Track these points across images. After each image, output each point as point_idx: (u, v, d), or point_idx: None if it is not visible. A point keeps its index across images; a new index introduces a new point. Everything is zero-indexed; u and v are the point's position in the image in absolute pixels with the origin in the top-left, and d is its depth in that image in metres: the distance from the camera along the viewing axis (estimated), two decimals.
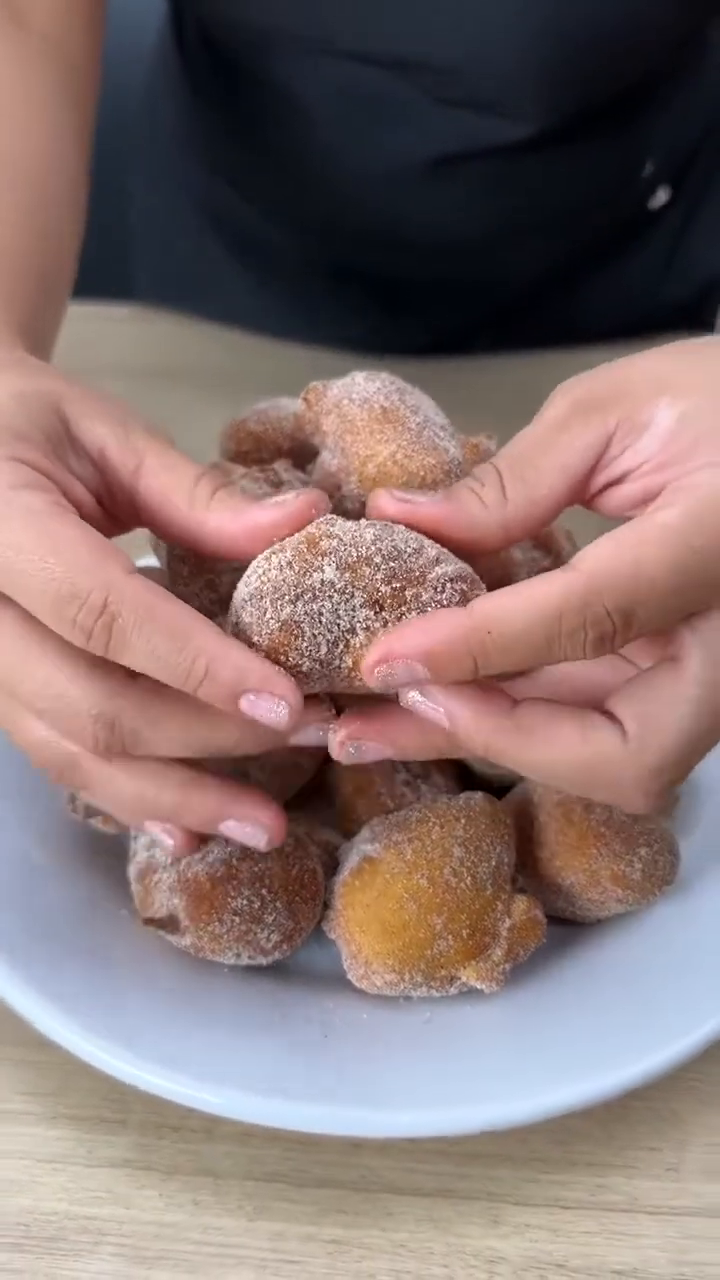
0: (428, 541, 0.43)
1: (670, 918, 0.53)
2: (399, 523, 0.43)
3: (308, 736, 0.43)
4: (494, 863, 0.50)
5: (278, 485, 0.54)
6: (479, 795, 0.52)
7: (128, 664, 0.40)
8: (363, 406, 0.52)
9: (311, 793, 0.55)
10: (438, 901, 0.48)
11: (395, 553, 0.42)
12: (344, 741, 0.43)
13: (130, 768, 0.43)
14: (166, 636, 0.39)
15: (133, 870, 0.52)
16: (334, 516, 0.43)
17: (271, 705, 0.40)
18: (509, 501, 0.43)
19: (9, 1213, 0.47)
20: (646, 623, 0.40)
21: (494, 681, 0.43)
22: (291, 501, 0.43)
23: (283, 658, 0.41)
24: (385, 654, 0.40)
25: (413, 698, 0.42)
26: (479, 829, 0.50)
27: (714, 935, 0.52)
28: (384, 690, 0.41)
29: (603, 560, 0.39)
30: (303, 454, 0.56)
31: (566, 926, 0.53)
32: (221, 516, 0.43)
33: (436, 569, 0.42)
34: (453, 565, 0.42)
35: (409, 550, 0.42)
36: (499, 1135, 0.49)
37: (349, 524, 0.43)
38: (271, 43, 0.77)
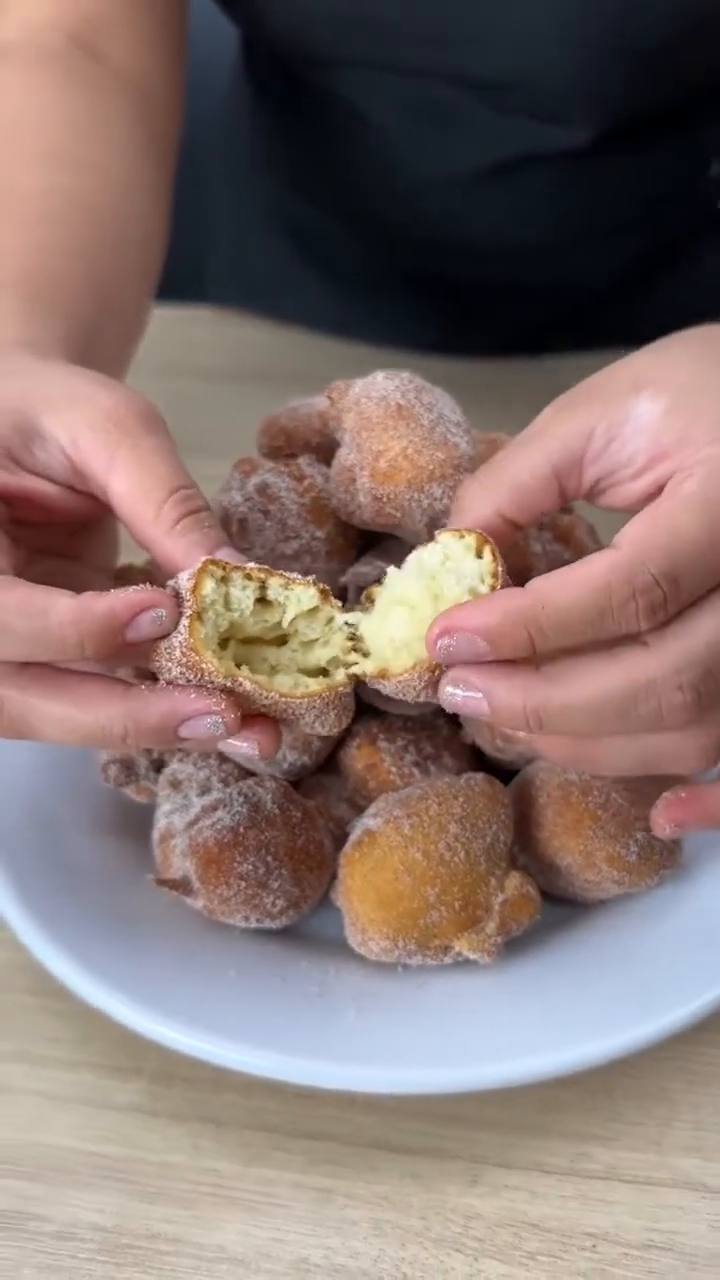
0: None
1: (669, 900, 0.55)
2: None
3: (196, 730, 0.43)
4: (489, 840, 0.52)
5: (300, 479, 0.57)
6: (479, 775, 0.54)
7: (8, 656, 0.42)
8: (379, 404, 0.55)
9: (328, 770, 0.58)
10: (431, 874, 0.51)
11: None
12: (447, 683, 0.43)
13: (62, 696, 0.44)
14: (26, 616, 0.41)
15: (155, 836, 0.55)
16: None
17: (151, 617, 0.42)
18: (486, 487, 0.46)
19: (26, 1145, 0.51)
20: (691, 585, 0.42)
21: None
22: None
23: (194, 657, 0.43)
24: (448, 626, 0.42)
25: (449, 692, 0.43)
26: (476, 807, 0.52)
27: (710, 918, 0.54)
28: (444, 662, 0.42)
29: (640, 533, 0.42)
30: (330, 449, 0.59)
31: (567, 906, 0.55)
32: (178, 546, 0.45)
33: None
34: None
35: None
36: (485, 1100, 0.51)
37: None
38: (337, 63, 0.80)
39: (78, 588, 0.51)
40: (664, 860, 0.54)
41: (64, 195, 0.63)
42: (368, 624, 0.45)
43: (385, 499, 0.53)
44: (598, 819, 0.53)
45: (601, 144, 0.81)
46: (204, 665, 0.43)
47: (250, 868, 0.52)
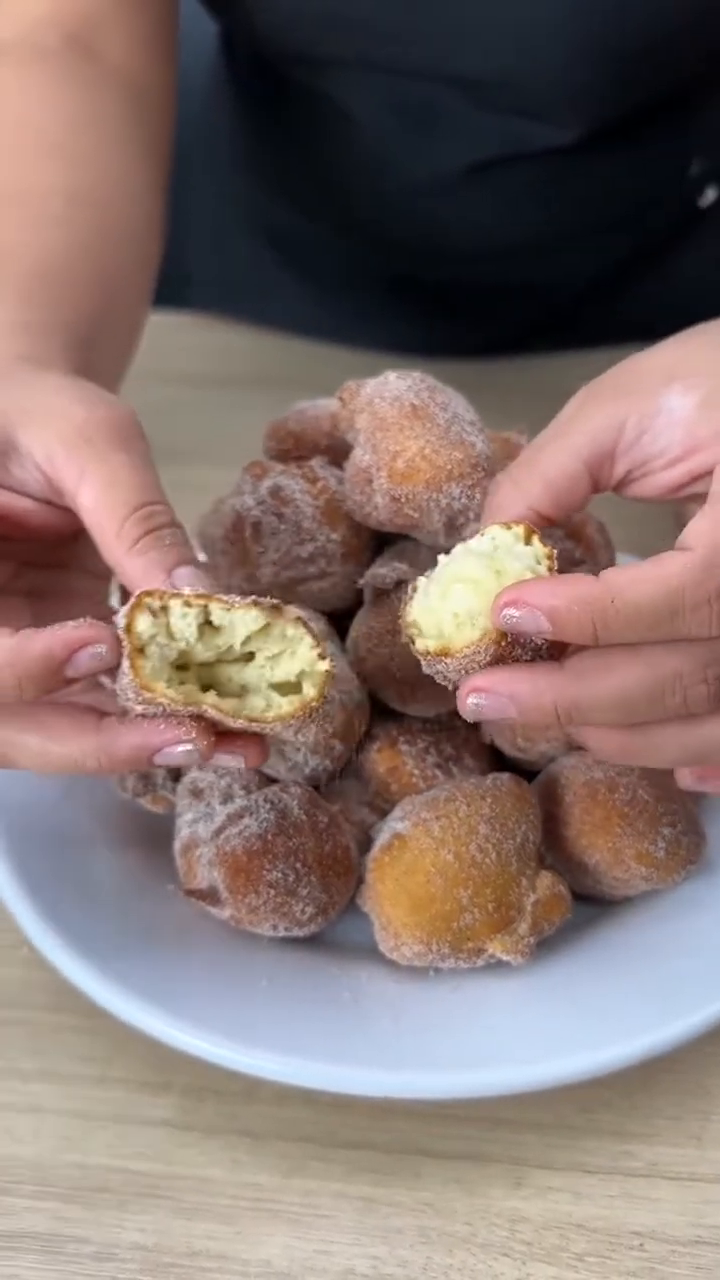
0: None
1: (697, 894, 0.55)
2: None
3: (171, 758, 0.43)
4: (519, 840, 0.52)
5: (314, 481, 0.57)
6: (506, 776, 0.54)
7: None
8: (393, 404, 0.54)
9: (348, 774, 0.57)
10: (464, 876, 0.50)
11: None
12: (469, 692, 0.43)
13: (35, 730, 0.44)
14: None
15: (177, 846, 0.54)
16: None
17: (89, 654, 0.42)
18: (519, 485, 0.46)
19: (60, 1166, 0.50)
20: None
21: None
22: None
23: (148, 694, 0.42)
24: (517, 598, 0.42)
25: (471, 703, 0.43)
26: (505, 808, 0.52)
27: None
28: (508, 630, 0.42)
29: (710, 532, 0.42)
30: (340, 451, 0.59)
31: (595, 904, 0.55)
32: (136, 565, 0.44)
33: None
34: None
35: None
36: (524, 1102, 0.51)
37: None
38: (320, 63, 0.80)
39: (70, 596, 0.51)
40: (690, 855, 0.54)
41: (65, 193, 0.63)
42: (419, 607, 0.44)
43: (404, 499, 0.53)
44: (625, 816, 0.53)
45: (584, 145, 0.81)
46: (159, 699, 0.42)
47: (279, 875, 0.51)
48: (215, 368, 0.97)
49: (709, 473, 0.44)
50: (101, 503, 0.45)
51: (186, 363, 0.96)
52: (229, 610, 0.43)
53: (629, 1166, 0.50)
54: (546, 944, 0.52)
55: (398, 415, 0.54)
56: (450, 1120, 0.51)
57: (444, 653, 0.43)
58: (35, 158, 0.64)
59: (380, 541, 0.58)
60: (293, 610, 0.44)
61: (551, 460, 0.46)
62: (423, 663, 0.44)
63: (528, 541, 0.44)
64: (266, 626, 0.44)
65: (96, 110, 0.68)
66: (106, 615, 0.49)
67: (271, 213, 0.96)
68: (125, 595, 0.53)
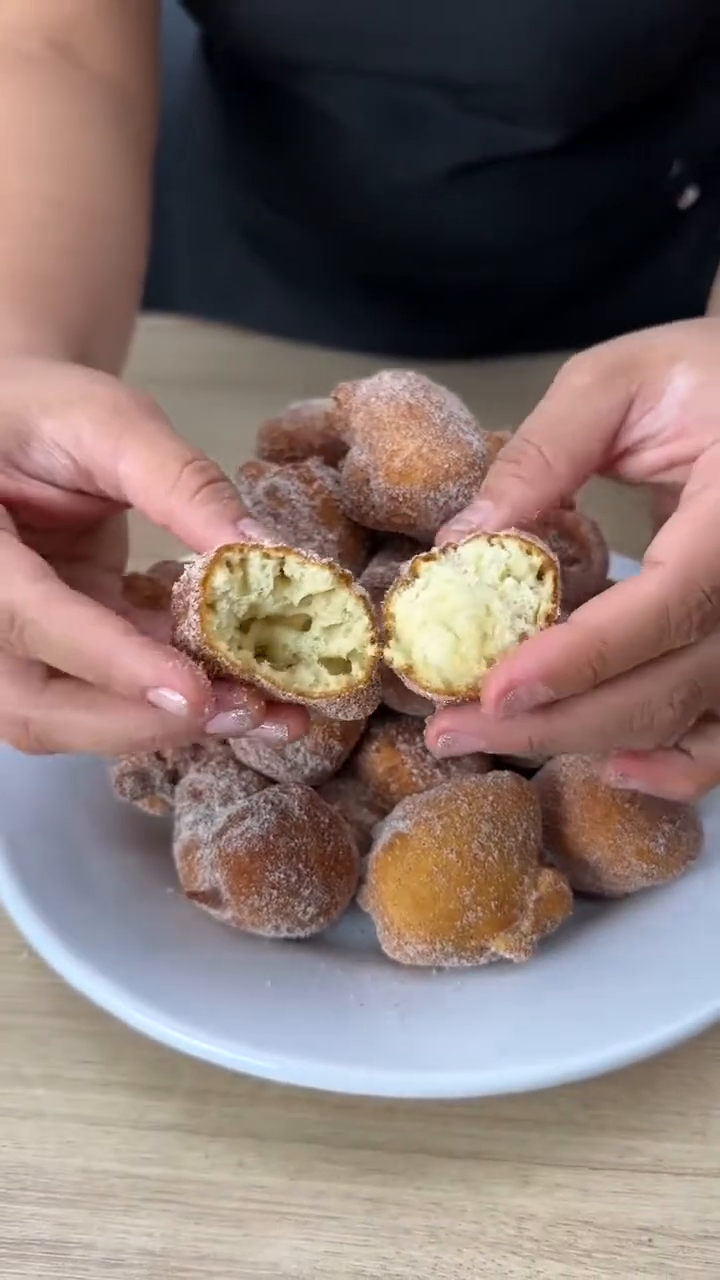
0: None
1: (696, 890, 0.55)
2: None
3: (223, 725, 0.42)
4: (521, 838, 0.52)
5: (310, 481, 0.57)
6: (506, 774, 0.54)
7: (50, 662, 0.42)
8: (389, 404, 0.54)
9: (346, 774, 0.57)
10: (466, 875, 0.50)
11: None
12: (438, 735, 0.43)
13: (89, 709, 0.43)
14: (72, 639, 0.41)
15: (177, 848, 0.54)
16: None
17: (169, 697, 0.41)
18: (551, 466, 0.44)
19: (65, 1171, 0.49)
20: None
21: None
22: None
23: (210, 650, 0.42)
24: (509, 683, 0.40)
25: (443, 742, 0.43)
26: (506, 806, 0.52)
27: None
28: (507, 715, 0.41)
29: (685, 548, 0.41)
30: (334, 451, 0.59)
31: (595, 901, 0.55)
32: (198, 517, 0.44)
33: None
34: None
35: None
36: (529, 1099, 0.51)
37: None
38: (300, 66, 0.80)
39: (86, 590, 0.50)
40: (689, 851, 0.54)
41: (49, 198, 0.63)
42: (403, 604, 0.43)
43: (401, 499, 0.53)
44: (626, 813, 0.53)
45: (564, 147, 0.82)
46: (220, 659, 0.42)
47: (282, 876, 0.51)
48: (198, 370, 0.97)
49: (688, 460, 0.44)
50: (147, 464, 0.44)
51: (170, 366, 0.96)
52: (304, 564, 0.43)
53: (635, 1162, 0.50)
54: (548, 941, 0.52)
55: (394, 415, 0.54)
56: (455, 1119, 0.51)
57: (408, 673, 0.43)
58: (18, 162, 0.64)
59: (376, 541, 0.58)
60: (359, 587, 0.44)
61: (577, 439, 0.45)
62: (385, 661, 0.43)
63: (541, 576, 0.42)
64: (330, 592, 0.44)
65: (80, 115, 0.68)
66: (119, 610, 0.48)
67: (253, 215, 0.96)
68: (127, 587, 0.53)
